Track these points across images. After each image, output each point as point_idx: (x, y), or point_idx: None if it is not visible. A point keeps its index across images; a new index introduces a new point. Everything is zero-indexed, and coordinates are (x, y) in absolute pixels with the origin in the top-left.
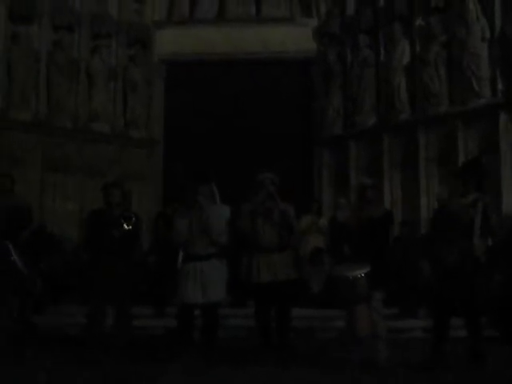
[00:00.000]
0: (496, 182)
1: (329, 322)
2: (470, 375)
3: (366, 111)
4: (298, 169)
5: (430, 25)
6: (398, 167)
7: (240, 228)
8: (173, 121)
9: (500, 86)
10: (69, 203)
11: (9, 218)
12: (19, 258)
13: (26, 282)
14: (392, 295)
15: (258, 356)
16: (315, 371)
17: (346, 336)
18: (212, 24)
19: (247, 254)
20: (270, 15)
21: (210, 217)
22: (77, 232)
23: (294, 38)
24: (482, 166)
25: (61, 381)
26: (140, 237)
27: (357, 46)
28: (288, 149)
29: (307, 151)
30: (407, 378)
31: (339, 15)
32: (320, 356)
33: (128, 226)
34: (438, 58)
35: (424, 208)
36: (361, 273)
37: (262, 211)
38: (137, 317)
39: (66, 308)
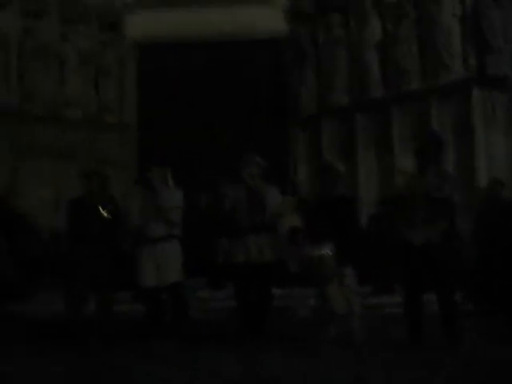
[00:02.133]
0: (470, 158)
1: (305, 300)
2: (446, 353)
3: (339, 90)
4: (273, 149)
5: (401, 1)
6: (371, 145)
7: (223, 210)
8: (147, 104)
9: (472, 62)
10: (42, 189)
11: None
12: None
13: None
14: (368, 272)
15: (235, 340)
16: (294, 354)
17: (319, 315)
18: (183, 6)
19: (225, 236)
20: None
21: (164, 197)
22: (50, 218)
23: (265, 18)
24: (439, 140)
25: (32, 371)
26: (121, 223)
27: (328, 24)
28: (262, 130)
29: (282, 131)
30: (384, 357)
31: None
32: (297, 337)
33: (107, 214)
34: (409, 35)
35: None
36: (326, 251)
37: (243, 194)
38: (119, 302)
39: (43, 295)
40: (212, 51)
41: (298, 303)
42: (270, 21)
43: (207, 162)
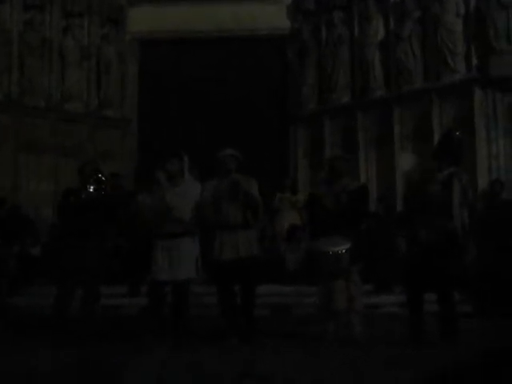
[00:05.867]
0: (471, 158)
1: (304, 298)
2: (443, 351)
3: (341, 88)
4: (274, 146)
5: (405, 0)
6: (372, 144)
7: (201, 211)
8: (147, 100)
9: (475, 62)
10: (43, 183)
11: None
12: None
13: (1, 263)
14: (367, 271)
15: (225, 336)
16: (289, 351)
17: (322, 310)
18: (186, 2)
19: (213, 233)
20: None
21: (172, 197)
22: (52, 212)
23: (268, 15)
24: (456, 140)
25: (31, 363)
26: (113, 216)
27: (331, 22)
28: (263, 126)
29: (282, 128)
30: (382, 353)
31: None
32: (295, 332)
33: (95, 189)
34: (412, 34)
35: (399, 184)
36: (343, 248)
37: (225, 190)
38: (111, 296)
39: (40, 289)
40: (214, 47)
41: (295, 300)
42: (272, 17)
43: (206, 159)
